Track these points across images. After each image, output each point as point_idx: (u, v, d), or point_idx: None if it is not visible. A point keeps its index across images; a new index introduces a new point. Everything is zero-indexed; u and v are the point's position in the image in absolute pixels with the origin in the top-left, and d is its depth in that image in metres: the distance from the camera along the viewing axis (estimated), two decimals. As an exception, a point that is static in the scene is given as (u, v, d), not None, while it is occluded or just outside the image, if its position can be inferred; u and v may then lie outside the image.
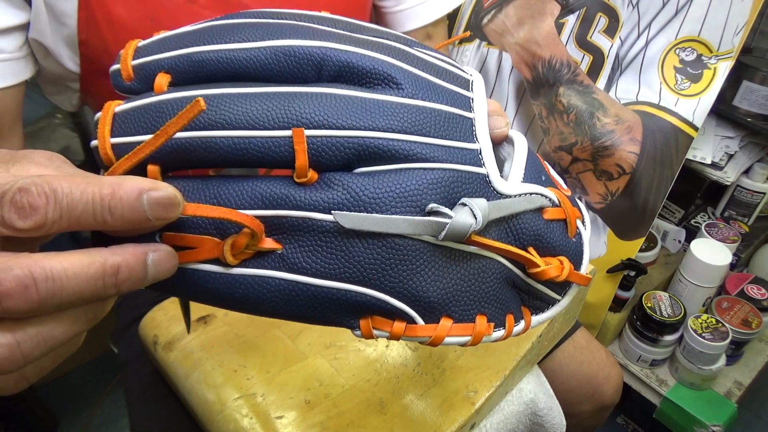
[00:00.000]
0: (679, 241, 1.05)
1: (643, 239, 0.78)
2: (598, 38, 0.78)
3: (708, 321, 0.86)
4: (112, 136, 0.21)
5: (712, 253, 0.88)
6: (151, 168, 0.21)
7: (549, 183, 0.25)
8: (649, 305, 0.89)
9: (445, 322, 0.23)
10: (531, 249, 0.24)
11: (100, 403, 1.12)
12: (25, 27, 0.46)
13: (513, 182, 0.23)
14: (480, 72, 0.77)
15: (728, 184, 0.88)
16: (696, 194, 1.05)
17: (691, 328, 0.85)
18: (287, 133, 0.20)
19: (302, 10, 0.25)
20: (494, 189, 0.22)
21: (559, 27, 0.80)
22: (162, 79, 0.22)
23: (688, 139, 0.71)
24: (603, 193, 0.79)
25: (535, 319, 0.26)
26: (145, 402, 0.55)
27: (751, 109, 0.86)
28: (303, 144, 0.20)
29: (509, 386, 0.51)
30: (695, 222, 1.06)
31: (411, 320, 0.23)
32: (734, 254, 0.95)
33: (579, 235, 0.25)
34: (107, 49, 0.48)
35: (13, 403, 1.01)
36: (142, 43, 0.24)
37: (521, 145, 0.25)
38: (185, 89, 0.22)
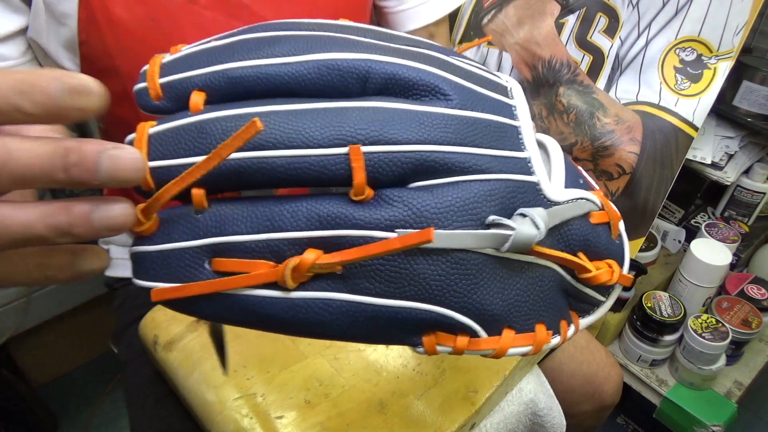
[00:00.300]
0: (679, 241, 1.05)
1: (643, 239, 0.78)
2: (598, 38, 0.78)
3: (708, 321, 0.86)
4: (150, 159, 0.20)
5: (712, 253, 0.88)
6: (196, 191, 0.20)
7: (587, 186, 0.25)
8: (649, 305, 0.89)
9: (508, 334, 0.23)
10: (581, 254, 0.24)
11: (100, 403, 1.12)
12: (26, 31, 0.47)
13: (558, 188, 0.23)
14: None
15: (728, 184, 0.88)
16: (696, 194, 1.05)
17: (691, 328, 0.85)
18: (343, 150, 0.20)
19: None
20: (545, 197, 0.22)
21: (559, 27, 0.80)
22: (198, 98, 0.21)
23: (688, 139, 0.71)
24: (603, 193, 0.79)
25: (583, 321, 0.25)
26: (145, 402, 0.55)
27: (751, 109, 0.86)
28: (360, 161, 0.19)
29: (509, 386, 0.51)
30: (695, 222, 1.06)
31: (474, 334, 0.22)
32: (734, 254, 0.95)
33: (620, 236, 0.25)
34: (107, 50, 0.48)
35: (13, 403, 1.01)
36: (165, 59, 0.22)
37: (555, 149, 0.25)
38: (226, 108, 0.20)
